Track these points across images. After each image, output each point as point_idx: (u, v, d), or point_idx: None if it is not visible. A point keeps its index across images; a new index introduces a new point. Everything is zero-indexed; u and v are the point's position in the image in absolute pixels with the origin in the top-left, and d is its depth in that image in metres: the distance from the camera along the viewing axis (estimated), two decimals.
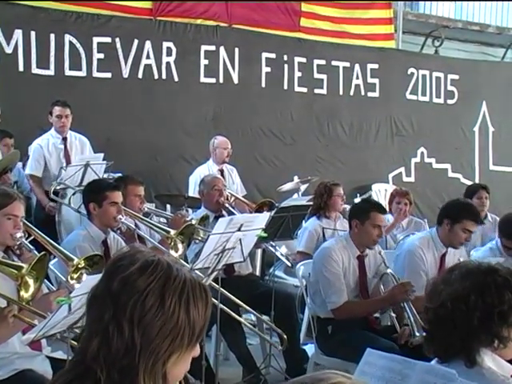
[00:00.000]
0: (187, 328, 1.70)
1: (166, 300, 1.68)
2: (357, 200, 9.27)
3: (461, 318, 2.38)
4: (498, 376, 2.38)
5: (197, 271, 4.67)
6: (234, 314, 5.07)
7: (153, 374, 1.68)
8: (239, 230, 4.47)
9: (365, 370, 2.32)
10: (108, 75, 8.28)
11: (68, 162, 7.06)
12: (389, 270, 5.01)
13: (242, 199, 7.42)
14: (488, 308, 2.37)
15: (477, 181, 10.38)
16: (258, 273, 7.15)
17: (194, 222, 5.21)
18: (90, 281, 2.91)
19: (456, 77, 10.80)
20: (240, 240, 4.46)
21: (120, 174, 6.42)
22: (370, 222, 4.96)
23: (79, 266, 3.78)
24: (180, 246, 4.74)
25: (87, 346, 1.68)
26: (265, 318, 5.67)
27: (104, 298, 1.69)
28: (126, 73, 8.38)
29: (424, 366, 2.23)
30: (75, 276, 3.75)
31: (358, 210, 5.17)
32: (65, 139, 7.22)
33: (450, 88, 10.79)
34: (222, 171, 7.92)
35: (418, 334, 4.54)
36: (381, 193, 9.55)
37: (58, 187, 6.39)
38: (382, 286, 5.03)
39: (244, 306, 5.22)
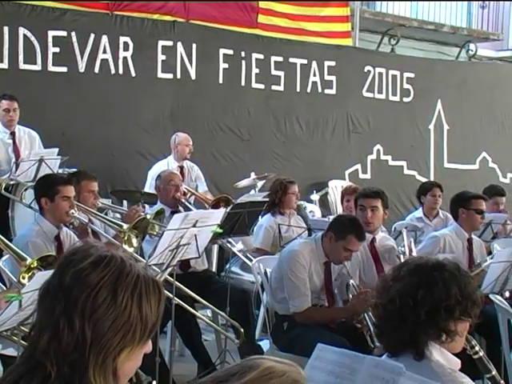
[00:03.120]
0: (139, 323, 1.70)
1: (118, 295, 1.67)
2: (313, 197, 9.39)
3: (409, 312, 2.42)
4: (445, 369, 2.42)
5: (152, 266, 4.67)
6: (189, 309, 5.05)
7: (103, 368, 1.67)
8: (194, 226, 4.46)
9: (315, 365, 2.34)
10: (64, 69, 8.18)
11: (17, 156, 6.95)
12: (351, 281, 5.01)
13: (198, 194, 7.42)
14: (435, 303, 2.41)
15: (432, 178, 10.50)
16: (214, 269, 7.14)
17: (149, 216, 5.19)
18: (41, 277, 2.89)
19: (412, 75, 10.92)
20: (195, 236, 4.45)
21: (75, 170, 6.36)
22: (344, 243, 4.83)
23: (32, 266, 3.73)
24: (134, 240, 4.72)
25: (38, 341, 1.67)
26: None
27: (56, 292, 1.68)
28: (82, 67, 8.29)
29: (372, 361, 2.26)
30: (27, 276, 3.69)
31: (338, 225, 4.96)
32: (13, 134, 7.09)
33: (405, 86, 10.90)
34: (181, 168, 7.91)
35: (377, 344, 4.55)
36: (337, 189, 9.59)
37: (10, 182, 6.30)
38: (350, 296, 5.03)
39: (201, 300, 5.21)
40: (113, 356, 1.68)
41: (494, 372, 2.61)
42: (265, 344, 5.51)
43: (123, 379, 1.76)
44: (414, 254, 5.51)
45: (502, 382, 2.61)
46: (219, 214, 4.86)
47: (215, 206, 6.81)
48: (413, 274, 2.49)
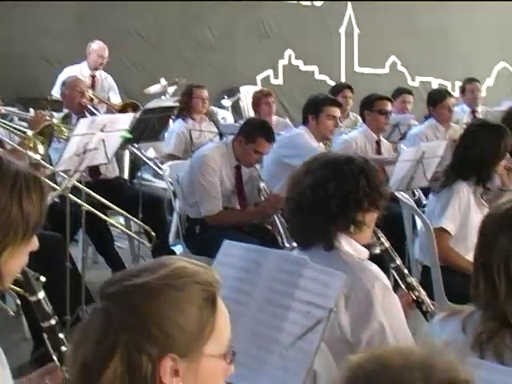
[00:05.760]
0: (20, 222, 1.65)
1: None
2: (225, 102, 9.32)
3: (320, 204, 2.47)
4: (354, 258, 2.49)
5: (60, 173, 4.58)
6: (101, 215, 5.00)
7: None
8: (102, 130, 4.36)
9: (223, 261, 2.35)
10: None
11: None
12: (262, 184, 5.05)
13: (105, 100, 7.26)
14: (345, 195, 2.46)
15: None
16: (126, 176, 7.08)
17: (55, 121, 5.05)
18: None
19: None
20: (103, 141, 4.35)
21: None
22: (254, 146, 4.86)
23: None
24: (40, 147, 4.58)
25: None
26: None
27: None
28: None
29: (278, 254, 2.30)
30: None
31: (248, 128, 4.99)
32: None
33: None
34: (93, 77, 7.70)
35: (287, 245, 4.63)
36: (249, 95, 9.53)
37: None
38: (262, 197, 5.07)
39: (113, 206, 5.16)
40: None
41: (399, 262, 2.69)
42: (178, 249, 5.54)
43: (8, 278, 1.73)
44: None
45: (406, 270, 2.69)
46: (127, 118, 4.76)
47: (122, 112, 6.67)
48: (324, 167, 2.53)
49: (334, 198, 2.44)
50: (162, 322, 1.36)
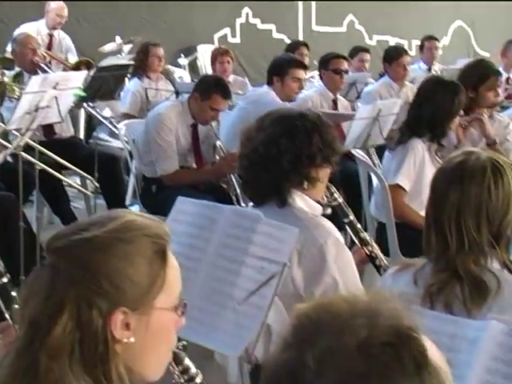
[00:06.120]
0: None
1: None
2: (181, 61, 9.22)
3: (272, 161, 2.45)
4: (307, 214, 2.49)
5: (12, 131, 4.50)
6: (56, 174, 4.93)
7: None
8: (55, 88, 4.28)
9: (176, 218, 2.34)
10: None
11: None
12: (218, 143, 5.02)
13: (58, 58, 7.12)
14: (298, 150, 2.45)
15: None
16: (81, 136, 6.98)
17: (6, 79, 4.94)
18: None
19: None
20: (56, 99, 4.28)
21: None
22: (210, 102, 4.80)
23: None
24: None
25: None
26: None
27: None
28: None
29: (231, 210, 2.30)
30: None
31: (203, 85, 4.93)
32: None
33: None
34: (51, 36, 7.54)
35: (243, 204, 4.62)
36: (207, 54, 9.44)
37: None
38: (217, 157, 5.05)
39: (68, 165, 5.09)
40: None
41: (352, 217, 2.71)
42: (135, 209, 5.50)
43: None
44: None
45: (359, 225, 2.71)
46: (80, 76, 4.68)
47: (76, 70, 6.55)
48: (276, 123, 2.52)
49: (286, 154, 2.43)
50: (111, 276, 1.35)
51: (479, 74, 4.48)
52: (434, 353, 0.93)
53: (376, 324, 0.90)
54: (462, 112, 4.17)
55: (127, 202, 5.69)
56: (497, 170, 1.99)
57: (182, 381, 1.52)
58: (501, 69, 7.35)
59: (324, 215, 2.59)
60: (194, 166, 5.09)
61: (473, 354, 1.62)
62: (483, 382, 1.59)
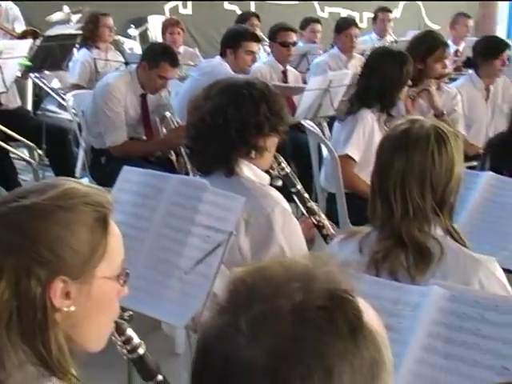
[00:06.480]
0: None
1: None
2: (131, 31, 9.09)
3: (219, 130, 2.44)
4: (255, 184, 2.49)
5: None
6: (3, 145, 4.84)
7: None
8: None
9: (122, 187, 2.32)
10: None
11: None
12: (168, 113, 4.97)
13: (4, 27, 6.95)
14: (245, 119, 2.44)
15: None
16: (29, 107, 6.85)
17: None
18: None
19: None
20: (0, 68, 4.18)
21: None
22: (158, 71, 4.73)
23: None
24: None
25: None
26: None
27: None
28: None
29: (177, 178, 2.27)
30: None
31: (151, 53, 4.85)
32: None
33: None
34: None
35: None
36: (158, 25, 9.33)
37: None
38: (163, 129, 5.00)
39: (16, 136, 5.00)
40: None
41: (299, 186, 2.71)
42: (85, 181, 5.44)
43: None
44: None
45: (306, 194, 2.71)
46: (25, 44, 4.59)
47: (22, 39, 6.41)
48: (223, 92, 2.49)
49: (233, 123, 2.41)
50: (51, 244, 1.32)
51: (427, 46, 4.51)
52: (370, 316, 0.93)
53: (311, 288, 0.90)
54: (410, 83, 4.19)
55: (77, 175, 5.61)
56: (440, 137, 2.01)
57: (125, 351, 1.51)
58: (450, 41, 7.42)
59: (275, 187, 2.59)
60: (145, 137, 5.04)
61: (415, 319, 1.64)
62: (425, 346, 1.61)
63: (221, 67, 5.30)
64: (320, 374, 0.85)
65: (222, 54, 5.39)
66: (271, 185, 2.61)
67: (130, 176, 2.34)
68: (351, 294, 0.92)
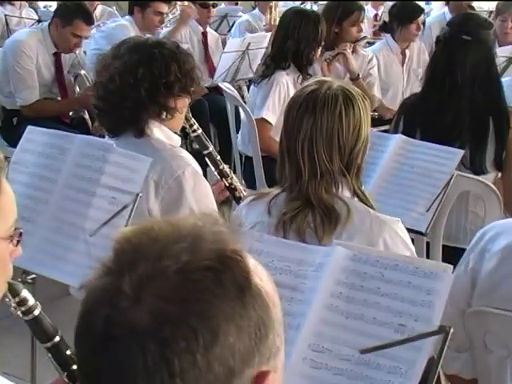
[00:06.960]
0: None
1: None
2: None
3: (129, 90, 2.38)
4: (165, 145, 2.45)
5: None
6: None
7: None
8: None
9: (26, 148, 2.25)
10: None
11: None
12: (83, 72, 4.85)
13: None
14: (155, 79, 2.39)
15: None
16: None
17: None
18: None
19: None
20: None
21: None
22: (72, 29, 4.58)
23: None
24: None
25: None
26: None
27: None
28: None
29: (82, 139, 2.22)
30: None
31: (63, 10, 4.68)
32: None
33: None
34: None
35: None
36: None
37: None
38: (77, 88, 4.88)
39: None
40: None
41: (211, 148, 2.68)
42: None
43: None
44: None
45: (218, 157, 2.69)
46: None
47: None
48: (132, 51, 2.43)
49: (142, 83, 2.36)
50: None
51: (343, 9, 4.51)
52: (260, 277, 0.91)
53: (198, 248, 0.87)
54: (325, 45, 4.19)
55: None
56: (348, 99, 2.00)
57: (19, 313, 1.47)
58: (369, 6, 7.47)
59: (193, 150, 2.55)
60: (60, 98, 4.91)
61: (318, 280, 1.65)
62: (327, 306, 1.62)
63: (119, 30, 5.14)
64: (205, 336, 0.83)
65: (131, 12, 5.28)
66: (191, 148, 2.57)
67: (33, 136, 2.27)
68: (240, 254, 0.90)
